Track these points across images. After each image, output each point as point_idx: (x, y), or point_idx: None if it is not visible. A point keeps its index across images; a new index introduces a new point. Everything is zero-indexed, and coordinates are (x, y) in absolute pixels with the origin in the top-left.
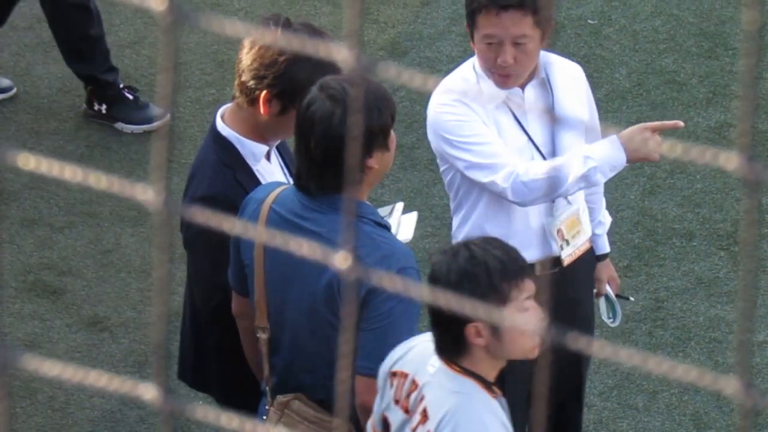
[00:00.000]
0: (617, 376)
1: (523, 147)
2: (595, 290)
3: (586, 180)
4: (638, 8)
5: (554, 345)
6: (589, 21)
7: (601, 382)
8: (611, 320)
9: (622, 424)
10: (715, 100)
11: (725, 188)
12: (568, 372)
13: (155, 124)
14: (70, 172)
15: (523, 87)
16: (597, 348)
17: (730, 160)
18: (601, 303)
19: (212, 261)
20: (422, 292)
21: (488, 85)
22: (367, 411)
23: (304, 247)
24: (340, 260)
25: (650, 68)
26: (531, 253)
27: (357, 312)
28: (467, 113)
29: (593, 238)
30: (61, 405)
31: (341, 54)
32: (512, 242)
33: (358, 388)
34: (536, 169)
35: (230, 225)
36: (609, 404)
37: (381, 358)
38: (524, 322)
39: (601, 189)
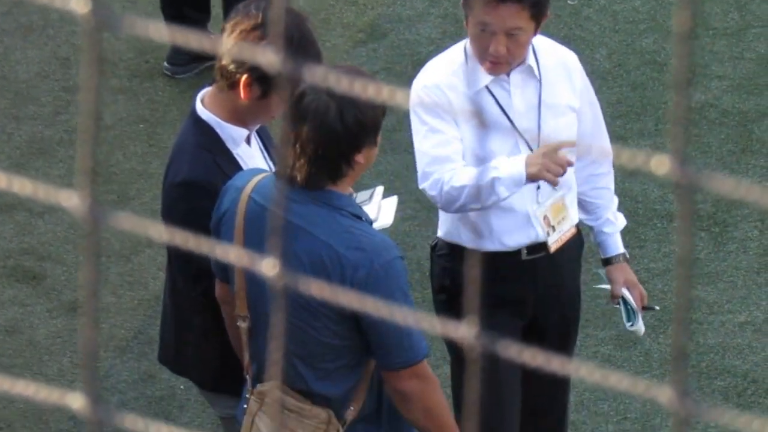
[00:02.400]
0: (598, 358)
1: (507, 133)
2: (610, 293)
3: (492, 191)
4: None
5: (488, 351)
6: (569, 2)
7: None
8: (630, 324)
9: (603, 405)
10: (696, 80)
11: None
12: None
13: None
14: None
15: (509, 72)
16: (542, 361)
17: (661, 164)
18: (621, 307)
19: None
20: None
21: (474, 66)
22: (402, 395)
23: (231, 254)
24: (267, 267)
25: (630, 49)
26: (516, 239)
27: (346, 317)
28: (440, 108)
29: (602, 237)
30: None
31: (266, 57)
32: (498, 228)
33: (385, 377)
34: (461, 176)
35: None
36: (590, 386)
37: (393, 353)
38: None
39: (611, 185)
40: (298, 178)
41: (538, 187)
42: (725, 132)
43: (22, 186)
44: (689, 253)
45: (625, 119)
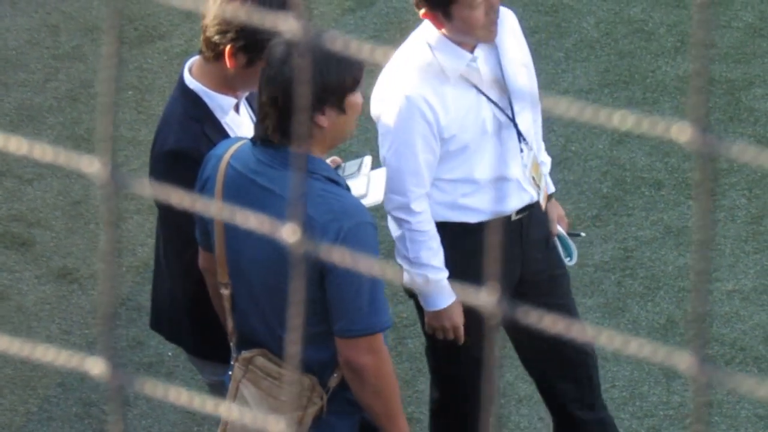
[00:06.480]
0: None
1: (490, 117)
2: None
3: (411, 270)
4: None
5: (507, 317)
6: None
7: None
8: (569, 259)
9: None
10: (684, 48)
11: None
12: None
13: None
14: (15, 144)
15: (472, 50)
16: (549, 323)
17: (683, 132)
18: (557, 243)
19: (183, 215)
20: (372, 263)
21: (445, 59)
22: (355, 369)
23: (251, 221)
24: (288, 234)
25: (618, 17)
26: (512, 204)
27: (316, 279)
28: (423, 120)
29: None
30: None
31: (288, 24)
32: (492, 196)
33: (340, 347)
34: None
35: (185, 198)
36: None
37: (353, 319)
38: None
39: (539, 130)
40: (271, 138)
41: (522, 150)
42: (713, 101)
43: (43, 152)
44: (707, 220)
45: (612, 88)
